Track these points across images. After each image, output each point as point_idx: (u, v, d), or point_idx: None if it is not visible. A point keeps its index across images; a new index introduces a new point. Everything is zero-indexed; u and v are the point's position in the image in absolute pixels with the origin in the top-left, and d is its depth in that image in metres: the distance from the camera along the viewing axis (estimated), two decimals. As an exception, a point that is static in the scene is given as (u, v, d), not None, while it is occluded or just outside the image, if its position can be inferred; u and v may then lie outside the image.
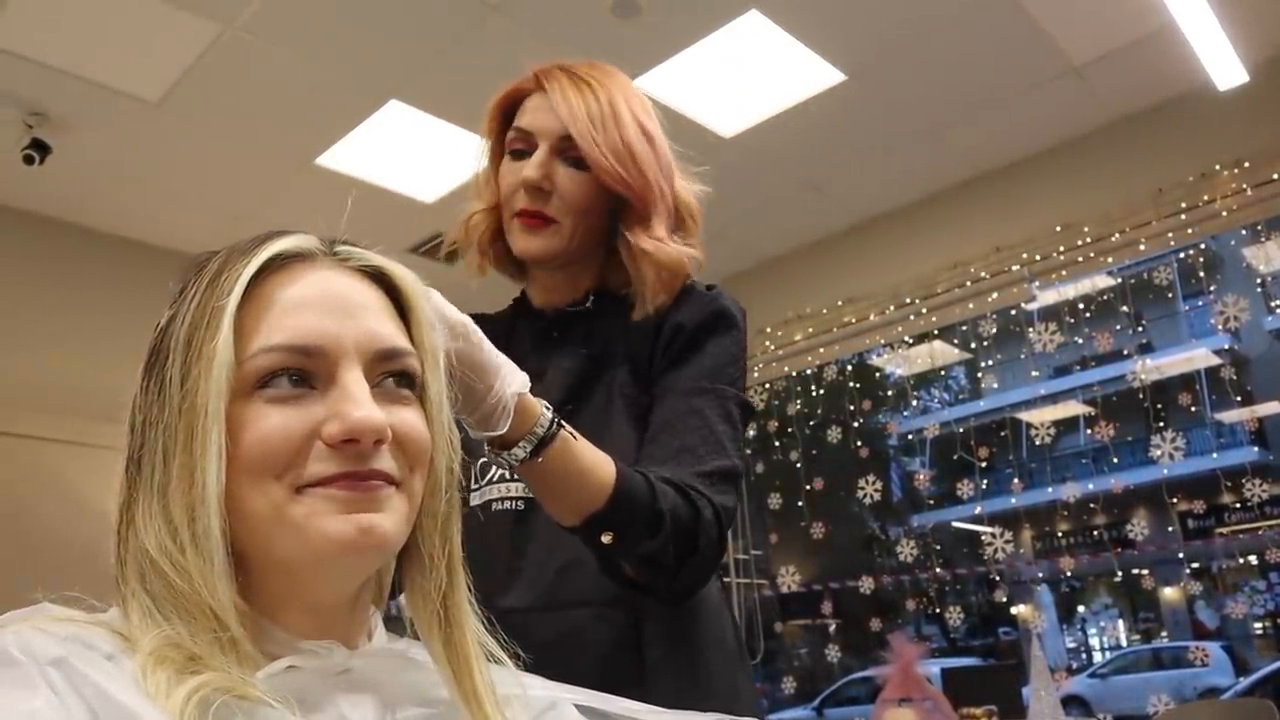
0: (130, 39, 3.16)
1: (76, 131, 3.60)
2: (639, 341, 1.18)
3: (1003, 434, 5.12)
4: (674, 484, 1.01)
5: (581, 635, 1.07)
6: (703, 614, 1.13)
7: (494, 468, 1.17)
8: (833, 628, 5.47)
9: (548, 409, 0.92)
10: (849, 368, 5.12)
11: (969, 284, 4.24)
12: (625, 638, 1.07)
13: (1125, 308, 4.36)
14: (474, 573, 1.10)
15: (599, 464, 0.96)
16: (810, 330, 4.63)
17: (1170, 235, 3.81)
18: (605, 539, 0.96)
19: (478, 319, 1.28)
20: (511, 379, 0.88)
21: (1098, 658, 15.23)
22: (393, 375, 0.65)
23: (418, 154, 3.93)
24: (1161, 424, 4.02)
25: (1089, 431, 4.17)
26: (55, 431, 3.83)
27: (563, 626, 1.07)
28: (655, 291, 1.17)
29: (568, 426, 0.93)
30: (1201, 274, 4.52)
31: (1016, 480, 4.60)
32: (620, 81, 1.22)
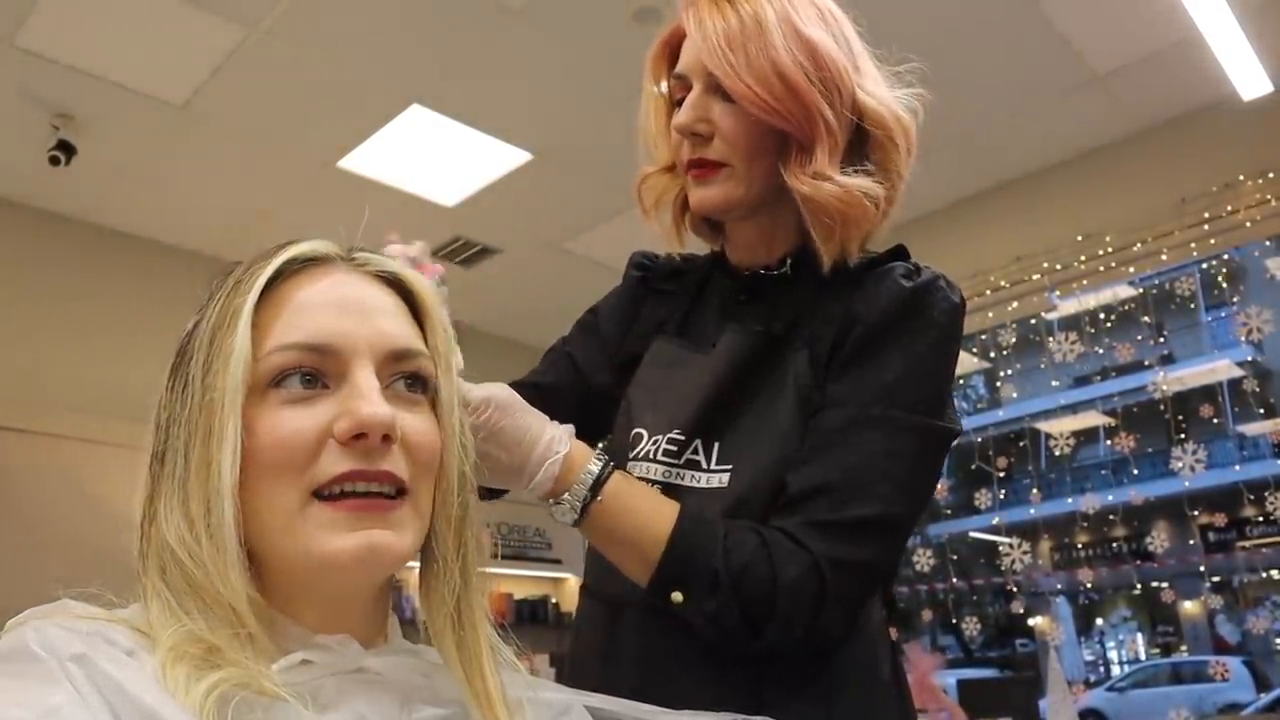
0: (156, 42, 3.19)
1: (102, 133, 3.64)
2: (822, 325, 1.01)
3: (1022, 444, 5.09)
4: (762, 536, 0.90)
5: (699, 643, 0.94)
6: (848, 641, 0.98)
7: (638, 447, 1.05)
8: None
9: (599, 459, 0.91)
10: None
11: (989, 293, 4.22)
12: (746, 653, 0.94)
13: (1147, 318, 4.33)
14: (602, 557, 1.04)
15: (657, 518, 0.90)
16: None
17: (1193, 246, 3.78)
18: (675, 597, 0.90)
19: (677, 259, 1.20)
20: (556, 442, 0.90)
21: (1116, 671, 15.12)
22: (405, 377, 0.67)
23: (439, 158, 3.95)
24: (1183, 436, 3.98)
25: (1109, 442, 4.15)
26: (76, 429, 3.86)
27: (682, 630, 0.95)
28: (823, 241, 1.00)
29: (620, 477, 0.92)
30: (1224, 285, 4.49)
31: (1035, 491, 4.58)
32: None
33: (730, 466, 0.99)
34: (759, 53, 0.97)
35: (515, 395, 0.91)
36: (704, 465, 1.01)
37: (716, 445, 1.01)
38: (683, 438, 1.02)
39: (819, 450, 0.95)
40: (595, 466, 0.90)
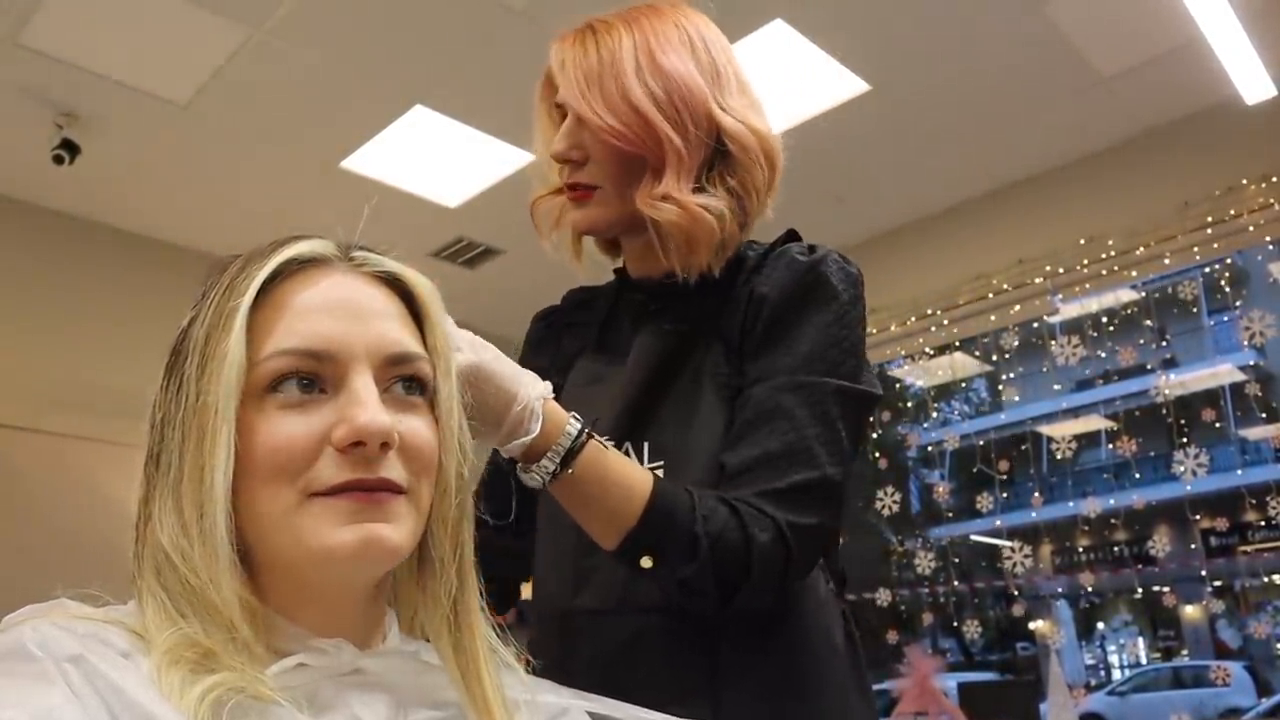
0: (160, 42, 3.20)
1: (106, 132, 3.64)
2: (730, 315, 1.06)
3: (1023, 447, 5.08)
4: (729, 503, 0.92)
5: (652, 640, 0.99)
6: (797, 622, 1.01)
7: None
8: (849, 639, 5.40)
9: (576, 419, 0.89)
10: (869, 378, 5.07)
11: (991, 296, 4.22)
12: (699, 646, 0.98)
13: (1149, 322, 4.32)
14: (546, 569, 1.08)
15: (635, 479, 0.91)
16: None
17: (1195, 249, 3.78)
18: (645, 562, 0.90)
19: (581, 292, 1.26)
20: (535, 384, 0.87)
21: (1117, 675, 15.08)
22: (404, 380, 0.66)
23: (442, 159, 3.95)
24: (1185, 440, 3.97)
25: (1111, 446, 4.13)
26: (79, 428, 3.87)
27: (633, 630, 0.99)
28: (674, 258, 1.06)
29: (599, 438, 0.90)
30: (1227, 289, 4.47)
31: (1036, 494, 4.57)
32: (648, 18, 1.09)
33: (662, 462, 1.03)
34: (612, 85, 1.04)
35: (495, 360, 0.87)
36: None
37: (646, 444, 1.05)
38: (611, 443, 1.02)
39: (751, 425, 0.98)
40: (573, 429, 0.88)
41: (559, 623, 1.06)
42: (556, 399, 1.13)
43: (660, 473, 1.01)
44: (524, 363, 1.24)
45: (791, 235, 1.14)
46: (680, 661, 0.98)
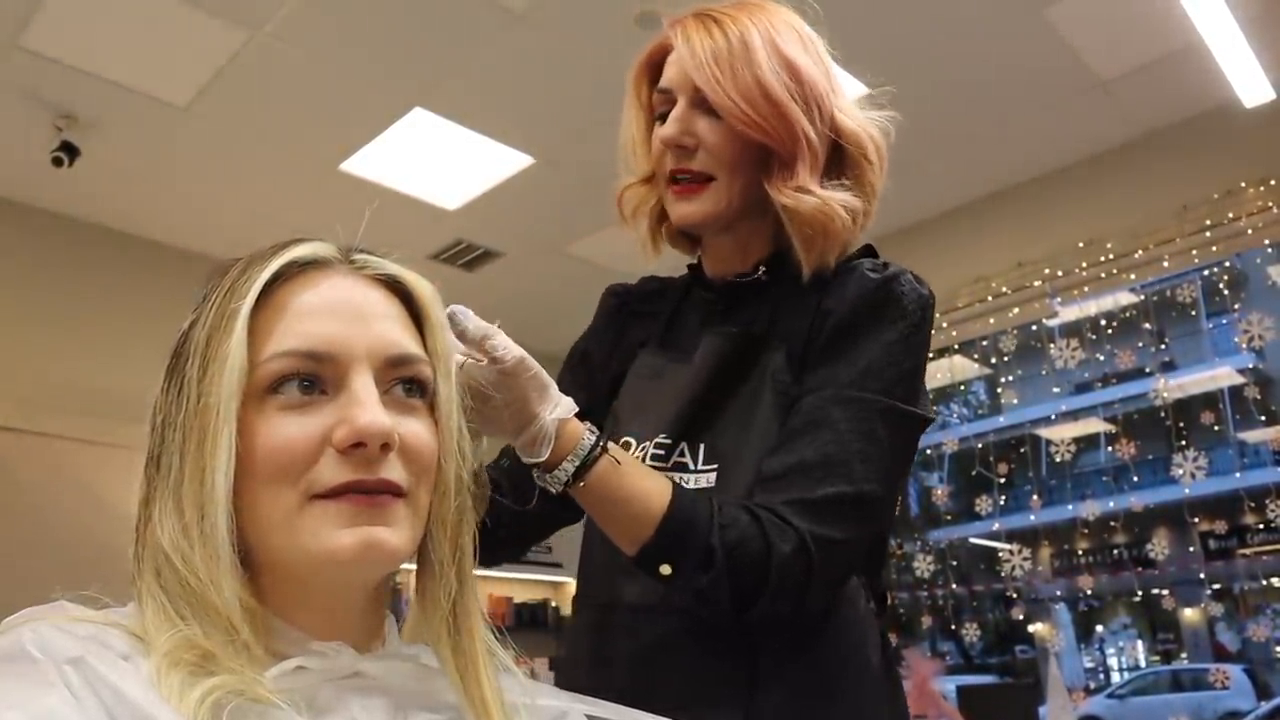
0: (159, 44, 3.19)
1: (105, 135, 3.64)
2: (797, 324, 1.04)
3: (1022, 450, 5.07)
4: (752, 512, 0.91)
5: (687, 643, 0.98)
6: (832, 635, 1.00)
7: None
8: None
9: (592, 433, 0.90)
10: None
11: (990, 299, 4.22)
12: (732, 652, 0.96)
13: (1148, 325, 4.32)
14: (594, 560, 1.08)
15: (651, 491, 0.90)
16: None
17: (1194, 252, 3.78)
18: (664, 570, 0.90)
19: (654, 281, 1.25)
20: (558, 407, 0.88)
21: (1116, 678, 15.08)
22: (404, 382, 0.66)
23: (441, 161, 3.96)
24: (1183, 443, 3.98)
25: (1110, 449, 4.14)
26: (77, 431, 3.86)
27: (670, 630, 0.99)
28: (804, 251, 1.04)
29: (615, 451, 0.91)
30: (1226, 292, 4.48)
31: (1035, 497, 4.57)
32: (763, 11, 1.08)
33: (716, 466, 1.02)
34: (745, 71, 1.02)
35: (525, 370, 0.87)
36: (691, 466, 1.03)
37: (702, 446, 1.03)
38: (669, 441, 1.04)
39: (796, 433, 0.97)
40: (586, 444, 0.89)
41: (600, 614, 1.06)
42: (616, 388, 1.15)
43: (714, 476, 1.01)
44: (593, 331, 1.25)
45: (868, 250, 1.13)
46: (712, 666, 0.97)
